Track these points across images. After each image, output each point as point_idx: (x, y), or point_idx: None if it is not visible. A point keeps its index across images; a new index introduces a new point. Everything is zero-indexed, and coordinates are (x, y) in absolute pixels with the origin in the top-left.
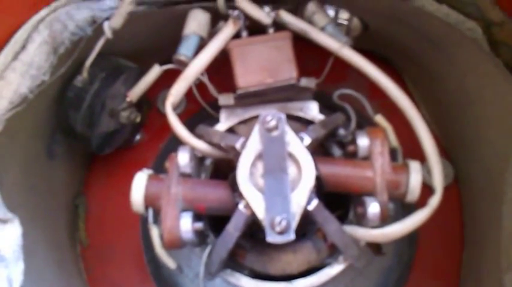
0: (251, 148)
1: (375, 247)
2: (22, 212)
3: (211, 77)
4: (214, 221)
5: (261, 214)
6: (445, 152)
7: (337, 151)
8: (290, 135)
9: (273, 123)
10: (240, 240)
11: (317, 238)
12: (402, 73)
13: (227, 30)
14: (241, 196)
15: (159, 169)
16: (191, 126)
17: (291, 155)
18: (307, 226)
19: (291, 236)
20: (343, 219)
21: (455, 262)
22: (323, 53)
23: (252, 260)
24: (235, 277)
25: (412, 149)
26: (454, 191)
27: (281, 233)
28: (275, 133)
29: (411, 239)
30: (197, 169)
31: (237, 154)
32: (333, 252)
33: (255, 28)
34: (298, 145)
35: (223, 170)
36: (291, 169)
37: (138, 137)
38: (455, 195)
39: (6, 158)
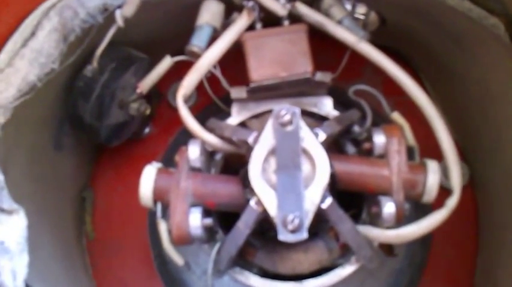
0: (264, 142)
1: (387, 248)
2: (28, 203)
3: (223, 71)
4: (223, 218)
5: (272, 211)
6: (460, 152)
7: (351, 149)
8: (304, 131)
9: (287, 117)
10: (250, 238)
11: (329, 237)
12: (419, 71)
13: (241, 21)
14: (252, 192)
15: (168, 162)
16: (201, 121)
17: (305, 151)
18: (319, 224)
19: (304, 234)
20: (355, 219)
21: (469, 266)
22: (337, 48)
23: (261, 259)
24: (244, 276)
25: (427, 149)
26: (469, 193)
27: (293, 231)
28: (289, 128)
29: (424, 241)
30: (207, 164)
31: (249, 148)
32: (345, 252)
33: (269, 20)
34: (312, 140)
35: (234, 165)
36: (305, 166)
37: (147, 130)
38: (471, 197)
39: (13, 148)
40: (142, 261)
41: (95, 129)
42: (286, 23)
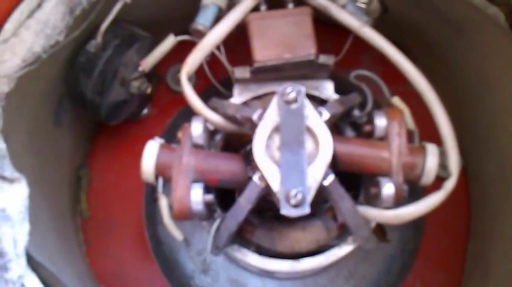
0: (268, 119)
1: (380, 234)
2: (27, 175)
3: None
4: (220, 197)
5: (276, 186)
6: None
7: (350, 132)
8: (309, 109)
9: (292, 95)
10: (249, 215)
11: (327, 217)
12: (416, 61)
13: (246, 2)
14: (255, 168)
15: None
16: None
17: (308, 129)
18: (317, 206)
19: (306, 209)
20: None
21: (460, 252)
22: (336, 36)
23: (260, 237)
24: (242, 253)
25: (425, 136)
26: (461, 181)
27: (296, 206)
28: (294, 106)
29: (416, 227)
30: (209, 143)
31: (254, 125)
32: (342, 233)
33: (274, 2)
34: (317, 119)
35: (233, 146)
36: (308, 143)
37: (145, 111)
38: (463, 185)
39: (15, 118)
40: (136, 241)
41: (96, 105)
42: (290, 5)
